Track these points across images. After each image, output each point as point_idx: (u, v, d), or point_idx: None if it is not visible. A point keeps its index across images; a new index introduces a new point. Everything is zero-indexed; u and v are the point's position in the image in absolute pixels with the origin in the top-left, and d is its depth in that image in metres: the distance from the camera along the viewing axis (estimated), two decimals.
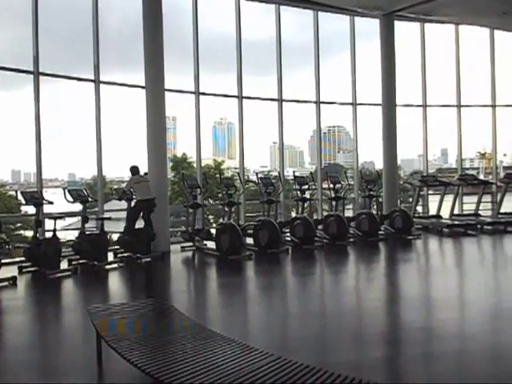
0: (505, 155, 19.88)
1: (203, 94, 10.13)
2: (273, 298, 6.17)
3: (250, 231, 8.94)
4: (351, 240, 9.49)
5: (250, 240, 8.96)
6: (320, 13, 11.31)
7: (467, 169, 22.51)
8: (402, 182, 18.60)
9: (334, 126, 22.32)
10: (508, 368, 3.68)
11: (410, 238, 9.99)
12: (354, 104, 11.80)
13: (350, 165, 13.43)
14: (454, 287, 6.51)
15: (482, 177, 14.86)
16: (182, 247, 9.04)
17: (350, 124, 12.31)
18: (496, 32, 12.68)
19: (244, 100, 10.57)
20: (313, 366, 2.77)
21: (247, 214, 10.71)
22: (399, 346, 4.37)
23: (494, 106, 12.97)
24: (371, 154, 13.87)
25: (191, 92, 10.02)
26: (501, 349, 4.12)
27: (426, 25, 12.34)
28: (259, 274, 7.73)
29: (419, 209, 13.52)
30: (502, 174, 13.08)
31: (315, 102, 11.36)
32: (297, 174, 11.16)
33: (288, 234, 9.43)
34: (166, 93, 8.94)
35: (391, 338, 4.53)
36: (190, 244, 9.00)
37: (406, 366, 3.89)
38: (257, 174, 10.07)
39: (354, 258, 8.82)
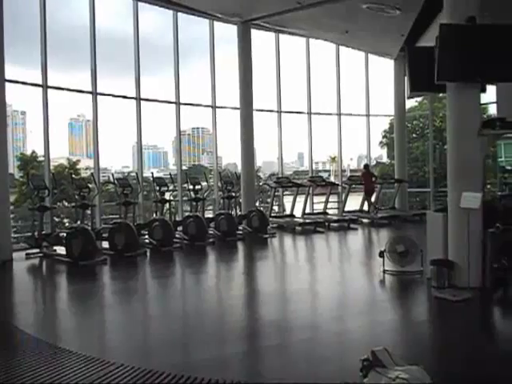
0: (351, 159, 21.98)
1: (52, 87, 9.38)
2: (129, 303, 5.93)
3: (106, 234, 8.54)
4: (210, 240, 9.63)
5: (106, 244, 8.56)
6: (184, 15, 11.32)
7: (320, 171, 24.40)
8: (261, 184, 19.40)
9: (198, 128, 22.44)
10: (348, 353, 4.07)
11: (266, 236, 10.50)
12: (214, 107, 12.01)
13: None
14: (304, 280, 6.96)
15: (332, 179, 16.26)
16: (27, 254, 8.24)
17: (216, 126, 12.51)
18: (341, 48, 14.03)
19: (102, 97, 10.08)
20: (168, 373, 2.72)
21: (105, 217, 10.20)
22: (256, 339, 4.54)
23: (339, 115, 14.29)
24: (234, 156, 14.30)
25: (38, 85, 9.21)
26: (343, 334, 4.53)
27: (281, 35, 13.15)
28: (115, 279, 7.40)
29: (276, 208, 14.30)
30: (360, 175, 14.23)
31: (175, 103, 11.30)
32: (157, 174, 10.99)
33: (146, 237, 9.23)
34: (9, 84, 8.12)
35: (249, 333, 4.68)
36: (37, 250, 8.26)
37: (263, 358, 4.07)
38: (112, 174, 9.66)
39: (213, 257, 8.95)
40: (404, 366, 2.25)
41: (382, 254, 6.84)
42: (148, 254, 8.63)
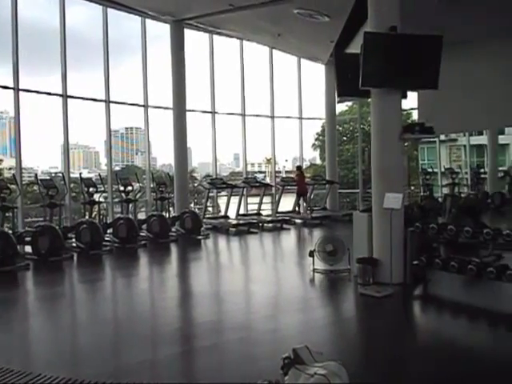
0: (286, 161, 22.37)
1: None
2: (55, 310, 5.64)
3: (29, 238, 8.09)
4: (142, 243, 9.42)
5: (29, 248, 8.12)
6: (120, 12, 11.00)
7: (256, 172, 24.57)
8: (196, 185, 19.24)
9: (131, 127, 21.81)
10: (276, 352, 4.13)
11: (200, 237, 10.44)
12: (146, 106, 11.76)
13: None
14: (237, 281, 7.01)
15: (268, 180, 16.47)
16: None
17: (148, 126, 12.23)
18: (275, 51, 14.25)
19: (23, 93, 9.51)
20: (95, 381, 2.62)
21: (30, 220, 9.67)
22: (189, 341, 4.50)
23: (272, 117, 14.51)
24: (170, 157, 14.07)
25: None
26: (273, 333, 4.60)
27: (215, 36, 13.12)
28: (38, 285, 7.03)
29: (211, 209, 14.25)
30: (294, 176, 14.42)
31: (105, 101, 10.93)
32: (88, 175, 10.59)
33: (74, 240, 8.86)
34: None
35: (182, 335, 4.64)
36: None
37: (195, 359, 4.07)
38: (36, 175, 9.17)
39: (145, 260, 8.76)
40: (323, 362, 2.34)
41: (311, 254, 7.03)
42: (75, 258, 8.29)
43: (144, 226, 10.07)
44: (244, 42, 13.59)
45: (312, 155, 23.79)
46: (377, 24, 6.07)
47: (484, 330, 4.79)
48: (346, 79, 6.60)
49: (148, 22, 11.68)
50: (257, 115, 14.34)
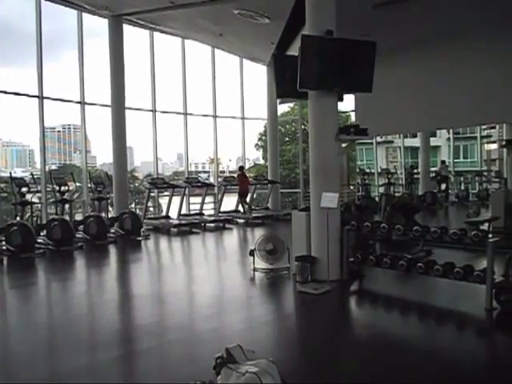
0: (230, 160, 22.39)
1: None
2: None
3: None
4: (78, 244, 9.09)
5: None
6: (50, 3, 10.50)
7: (200, 172, 24.37)
8: (137, 184, 18.83)
9: (69, 125, 20.95)
10: (214, 351, 4.12)
11: (140, 238, 10.22)
12: (83, 103, 11.35)
13: (89, 166, 12.95)
14: (178, 282, 6.91)
15: (212, 180, 16.41)
16: None
17: (87, 123, 11.81)
18: (218, 51, 14.20)
19: None
20: None
21: None
22: (129, 344, 4.39)
23: (215, 117, 14.47)
24: (110, 156, 13.66)
25: None
26: (212, 333, 4.58)
27: (157, 34, 12.89)
28: None
29: (153, 210, 14.01)
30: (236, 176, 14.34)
31: (38, 97, 10.44)
32: (22, 174, 10.06)
33: (3, 243, 8.39)
34: None
35: (121, 338, 4.53)
36: None
37: (134, 361, 3.99)
38: None
39: (81, 263, 8.46)
40: (254, 360, 2.36)
41: (252, 253, 7.09)
42: (5, 261, 7.86)
43: (81, 228, 9.72)
44: (186, 40, 13.46)
45: (256, 155, 24.03)
46: (314, 27, 6.22)
47: (413, 321, 5.04)
48: (285, 80, 6.70)
49: (87, 16, 11.29)
50: (199, 115, 14.26)
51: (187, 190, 12.94)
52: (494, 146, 19.49)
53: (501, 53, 8.55)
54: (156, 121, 12.99)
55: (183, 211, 12.81)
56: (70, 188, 10.27)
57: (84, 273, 7.94)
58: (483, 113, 9.01)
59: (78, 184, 11.54)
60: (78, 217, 11.03)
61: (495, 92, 8.58)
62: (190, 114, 13.86)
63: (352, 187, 16.96)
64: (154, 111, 12.93)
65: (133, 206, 15.84)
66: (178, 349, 4.20)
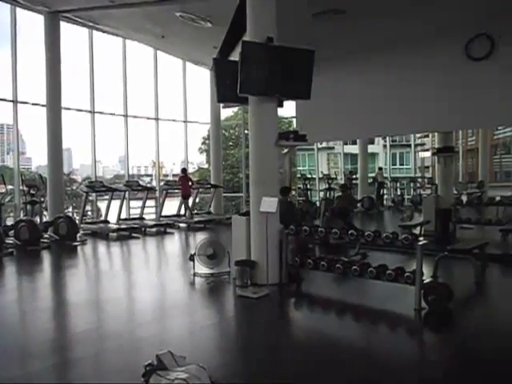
0: (174, 164, 22.07)
1: None
2: None
3: None
4: (9, 251, 8.63)
5: None
6: None
7: (143, 175, 23.84)
8: (75, 188, 18.15)
9: (2, 125, 19.86)
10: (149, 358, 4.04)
11: (76, 244, 9.85)
12: (15, 102, 10.81)
13: (24, 167, 12.31)
14: (115, 288, 6.71)
15: (154, 183, 16.10)
16: None
17: (23, 123, 11.27)
18: (161, 53, 14.00)
19: None
20: None
21: None
22: (62, 352, 4.22)
23: (157, 119, 14.25)
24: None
25: None
26: (148, 340, 4.49)
27: (96, 33, 12.51)
28: None
29: (91, 214, 13.54)
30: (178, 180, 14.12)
31: None
32: None
33: None
34: None
35: (55, 346, 4.35)
36: None
37: (68, 371, 3.83)
38: None
39: (11, 270, 8.01)
40: (185, 366, 2.34)
41: (192, 258, 7.03)
42: None
43: (11, 233, 9.22)
44: (127, 40, 13.18)
45: (201, 159, 23.89)
46: (255, 34, 6.28)
47: (348, 322, 5.20)
48: (226, 85, 6.72)
49: (22, 12, 10.78)
50: (141, 117, 13.98)
51: (127, 193, 12.63)
52: (427, 154, 20.55)
53: (433, 65, 9.03)
54: (95, 122, 12.60)
55: (123, 215, 12.49)
56: (2, 191, 9.74)
57: (13, 280, 7.52)
58: (417, 122, 9.47)
59: (9, 187, 10.96)
60: (10, 221, 10.47)
61: (427, 103, 9.05)
62: (132, 116, 13.56)
63: (294, 192, 17.26)
64: (92, 112, 12.53)
65: (70, 209, 15.25)
66: (114, 357, 4.08)
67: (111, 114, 13.23)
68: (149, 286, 6.77)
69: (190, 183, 13.58)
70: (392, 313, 5.29)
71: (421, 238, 5.55)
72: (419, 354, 4.35)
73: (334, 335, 4.67)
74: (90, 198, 12.45)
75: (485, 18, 8.01)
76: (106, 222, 11.84)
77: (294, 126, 14.90)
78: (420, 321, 5.02)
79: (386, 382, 3.48)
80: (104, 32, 12.43)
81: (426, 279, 5.41)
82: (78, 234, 10.24)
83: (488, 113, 8.36)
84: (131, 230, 11.45)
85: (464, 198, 13.62)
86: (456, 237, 9.72)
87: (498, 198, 12.45)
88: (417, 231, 9.82)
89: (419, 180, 19.70)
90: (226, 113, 20.43)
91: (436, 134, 11.39)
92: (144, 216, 12.94)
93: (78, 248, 9.74)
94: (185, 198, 13.43)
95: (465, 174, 20.08)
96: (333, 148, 25.79)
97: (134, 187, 12.41)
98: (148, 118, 14.15)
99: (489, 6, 7.57)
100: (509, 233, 8.19)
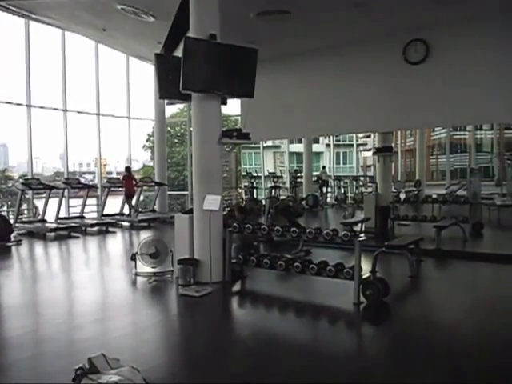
0: (118, 161, 21.49)
1: None
2: None
3: None
4: None
5: None
6: None
7: (84, 173, 23.00)
8: (10, 185, 17.25)
9: None
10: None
11: (10, 244, 9.37)
12: None
13: None
14: (50, 290, 6.44)
15: (97, 181, 15.58)
16: None
17: None
18: (104, 47, 13.53)
19: None
20: None
21: None
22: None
23: (98, 115, 13.79)
24: None
25: None
26: (85, 342, 4.33)
27: (32, 23, 11.91)
28: None
29: (27, 213, 12.92)
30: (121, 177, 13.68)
31: None
32: None
33: None
34: None
35: None
36: None
37: (5, 375, 3.60)
38: None
39: None
40: (118, 369, 2.28)
41: (133, 257, 6.88)
42: None
43: None
44: (67, 32, 12.65)
45: (147, 156, 23.39)
46: (198, 30, 6.22)
47: (290, 318, 5.27)
48: (168, 81, 6.61)
49: None
50: (82, 112, 13.50)
51: (66, 191, 12.15)
52: (369, 154, 21.28)
53: (373, 68, 9.34)
54: (31, 116, 12.01)
55: (62, 214, 12.01)
56: None
57: None
58: (357, 122, 9.76)
59: None
60: None
61: (368, 104, 9.36)
62: (71, 111, 13.04)
63: (240, 190, 17.31)
64: (29, 106, 11.94)
65: (5, 208, 14.46)
66: (49, 361, 3.91)
67: (49, 108, 12.66)
68: (88, 287, 6.56)
69: (134, 182, 13.29)
70: (332, 307, 5.42)
71: (361, 235, 5.71)
72: (357, 346, 4.49)
73: (277, 331, 4.71)
74: (27, 195, 11.87)
75: (421, 24, 8.38)
76: (43, 221, 11.33)
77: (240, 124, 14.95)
78: (358, 314, 5.18)
79: (326, 375, 3.55)
80: (42, 22, 11.84)
81: (365, 274, 5.58)
82: (13, 234, 9.74)
83: (425, 114, 8.75)
84: (70, 230, 11.04)
85: (402, 196, 14.22)
86: (394, 233, 10.13)
87: (434, 196, 13.09)
88: (358, 228, 10.14)
89: (361, 179, 20.37)
90: (172, 110, 20.15)
91: (377, 134, 11.78)
92: (85, 215, 12.50)
93: (13, 248, 9.27)
94: (128, 197, 13.14)
95: (403, 173, 21.02)
96: (279, 147, 26.12)
97: (73, 185, 11.95)
98: (88, 114, 13.66)
99: (425, 14, 7.93)
100: (442, 229, 8.61)
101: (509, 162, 13.68)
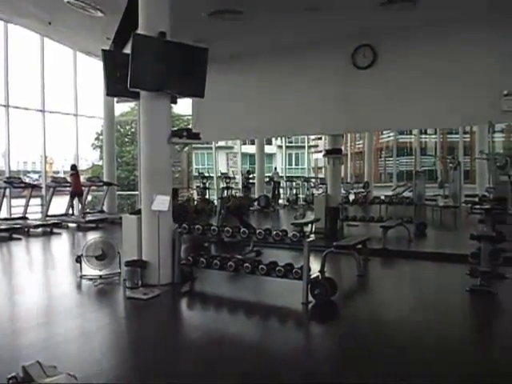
0: (65, 160, 20.73)
1: None
2: None
3: None
4: None
5: None
6: None
7: (29, 172, 22.02)
8: None
9: None
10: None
11: None
12: None
13: None
14: None
15: (42, 180, 14.95)
16: None
17: None
18: (50, 41, 13.00)
19: None
20: None
21: None
22: None
23: (43, 111, 13.25)
24: None
25: None
26: (19, 350, 4.13)
27: None
28: None
29: None
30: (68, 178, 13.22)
31: None
32: None
33: None
34: None
35: None
36: None
37: None
38: None
39: None
40: (54, 377, 2.18)
41: (78, 259, 6.65)
42: None
43: None
44: (10, 24, 12.07)
45: (96, 155, 22.68)
46: (147, 27, 6.09)
47: (240, 318, 5.26)
48: (116, 78, 6.43)
49: None
50: (27, 108, 12.93)
51: (8, 191, 11.59)
52: (320, 156, 21.66)
53: (324, 71, 9.50)
54: None
55: (3, 215, 11.44)
56: None
57: None
58: (308, 124, 9.90)
59: None
60: None
61: (318, 106, 9.51)
62: (14, 107, 12.46)
63: (192, 190, 17.16)
64: None
65: None
66: None
67: None
68: (30, 291, 6.27)
69: (81, 181, 12.89)
70: (281, 307, 5.46)
71: (311, 235, 5.79)
72: (305, 345, 4.54)
73: (227, 332, 4.69)
74: None
75: (369, 30, 8.61)
76: None
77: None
78: (307, 314, 5.24)
79: (275, 375, 3.57)
80: None
81: (314, 274, 5.66)
82: None
83: (372, 118, 9.00)
84: (12, 231, 10.55)
85: (351, 197, 14.58)
86: (343, 233, 10.36)
87: (382, 197, 13.52)
88: (309, 228, 10.30)
89: (312, 180, 20.73)
90: (122, 108, 19.67)
91: (327, 136, 12.00)
92: (28, 215, 11.97)
93: None
94: (77, 195, 12.75)
95: (352, 175, 21.56)
96: (232, 148, 26.11)
97: (15, 184, 11.41)
98: (33, 110, 13.10)
99: (373, 20, 8.15)
100: (388, 229, 8.89)
101: (451, 165, 14.34)
